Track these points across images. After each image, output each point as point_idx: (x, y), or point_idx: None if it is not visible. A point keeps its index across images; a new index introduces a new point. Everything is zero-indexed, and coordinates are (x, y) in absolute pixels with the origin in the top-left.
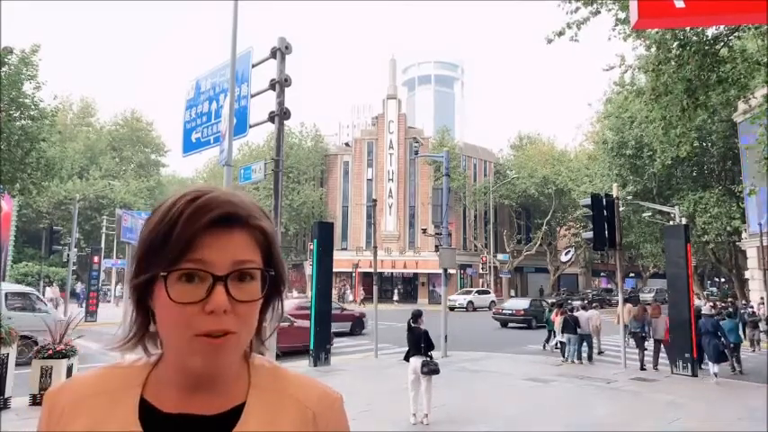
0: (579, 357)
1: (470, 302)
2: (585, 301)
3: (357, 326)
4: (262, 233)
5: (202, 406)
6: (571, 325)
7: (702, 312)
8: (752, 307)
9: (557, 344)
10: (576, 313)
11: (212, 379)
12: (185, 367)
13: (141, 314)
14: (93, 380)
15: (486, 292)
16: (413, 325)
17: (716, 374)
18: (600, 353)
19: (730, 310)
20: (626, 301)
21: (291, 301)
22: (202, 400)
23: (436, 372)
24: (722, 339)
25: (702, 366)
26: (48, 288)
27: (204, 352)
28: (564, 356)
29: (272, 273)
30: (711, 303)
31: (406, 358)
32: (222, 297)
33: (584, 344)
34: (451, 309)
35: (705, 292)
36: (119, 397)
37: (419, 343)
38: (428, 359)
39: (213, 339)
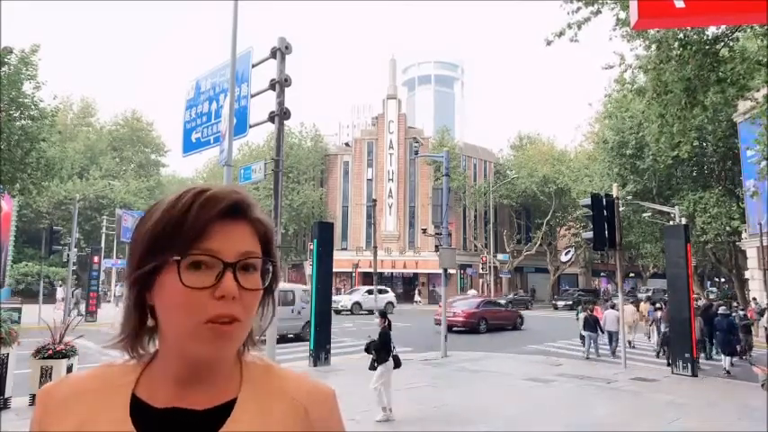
0: (613, 353)
1: (357, 303)
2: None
3: (518, 322)
4: (262, 226)
5: (194, 401)
6: (591, 323)
7: (719, 312)
8: (743, 310)
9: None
10: (605, 312)
11: (209, 371)
12: (186, 355)
13: (139, 310)
14: (87, 378)
15: (384, 291)
16: (383, 325)
17: (729, 369)
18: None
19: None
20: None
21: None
22: (195, 395)
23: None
24: (735, 338)
25: (714, 357)
26: (58, 288)
27: (211, 339)
28: (584, 350)
29: (274, 263)
30: (726, 306)
31: (379, 362)
32: (232, 283)
33: (613, 340)
34: (337, 312)
35: (705, 292)
36: (111, 394)
37: (389, 343)
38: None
39: (221, 326)
